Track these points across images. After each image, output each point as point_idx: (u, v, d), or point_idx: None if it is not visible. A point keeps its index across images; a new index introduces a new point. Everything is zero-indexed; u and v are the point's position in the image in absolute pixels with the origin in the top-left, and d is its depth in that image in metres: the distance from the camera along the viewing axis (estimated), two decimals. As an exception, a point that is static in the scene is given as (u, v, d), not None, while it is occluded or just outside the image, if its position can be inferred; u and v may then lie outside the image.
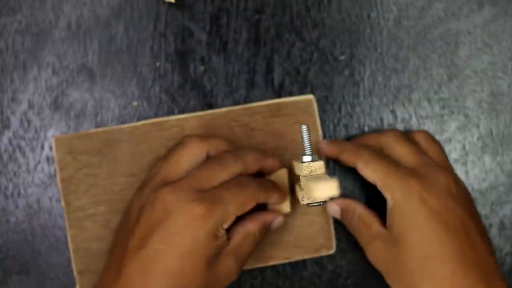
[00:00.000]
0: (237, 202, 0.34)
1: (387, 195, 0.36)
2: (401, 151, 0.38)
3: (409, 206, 0.35)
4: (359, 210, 0.38)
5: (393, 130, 0.41)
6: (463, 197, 0.37)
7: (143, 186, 0.36)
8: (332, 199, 0.39)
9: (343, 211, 0.40)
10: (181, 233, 0.32)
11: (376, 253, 0.37)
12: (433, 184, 0.36)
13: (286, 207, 0.39)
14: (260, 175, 0.39)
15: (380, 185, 0.37)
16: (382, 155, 0.38)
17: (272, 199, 0.37)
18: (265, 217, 0.37)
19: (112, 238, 0.40)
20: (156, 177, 0.36)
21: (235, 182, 0.35)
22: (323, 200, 0.36)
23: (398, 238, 0.35)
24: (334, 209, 0.40)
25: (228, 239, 0.35)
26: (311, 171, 0.34)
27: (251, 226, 0.36)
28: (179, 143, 0.37)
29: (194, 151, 0.36)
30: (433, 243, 0.34)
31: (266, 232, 0.38)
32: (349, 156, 0.38)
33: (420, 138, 0.40)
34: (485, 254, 0.35)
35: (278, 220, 0.38)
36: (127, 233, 0.34)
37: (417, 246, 0.34)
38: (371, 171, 0.37)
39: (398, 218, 0.35)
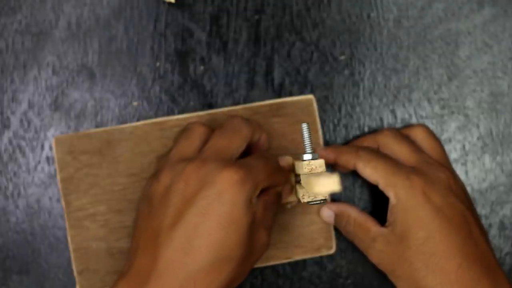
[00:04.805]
0: (265, 172, 0.34)
1: (390, 192, 0.36)
2: (399, 150, 0.38)
3: (413, 203, 0.35)
4: (354, 215, 0.38)
5: (388, 129, 0.41)
6: (462, 193, 0.37)
7: (156, 175, 0.35)
8: (326, 202, 0.39)
9: (337, 216, 0.40)
10: (220, 200, 0.32)
11: (380, 254, 0.37)
12: (434, 181, 0.36)
13: (291, 196, 0.39)
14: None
15: (382, 184, 0.37)
16: (381, 154, 0.38)
17: (281, 180, 0.37)
18: (275, 188, 0.37)
19: (114, 237, 0.40)
20: (171, 159, 0.35)
21: (260, 155, 0.35)
22: (324, 196, 0.36)
23: (402, 235, 0.35)
24: (328, 214, 0.40)
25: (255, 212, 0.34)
26: (311, 169, 0.34)
27: (268, 197, 0.36)
28: (184, 130, 0.37)
29: (201, 131, 0.36)
30: (438, 240, 0.35)
31: (280, 203, 0.38)
32: (348, 158, 0.38)
33: (418, 135, 0.40)
34: (486, 248, 0.36)
35: (287, 189, 0.38)
36: (155, 216, 0.33)
37: (422, 242, 0.35)
38: (372, 170, 0.37)
39: (402, 215, 0.36)
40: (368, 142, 0.40)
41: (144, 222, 0.34)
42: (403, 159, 0.38)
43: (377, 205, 0.43)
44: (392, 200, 0.36)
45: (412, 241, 0.35)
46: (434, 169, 0.37)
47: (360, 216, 0.38)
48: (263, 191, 0.35)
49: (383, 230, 0.36)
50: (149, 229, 0.33)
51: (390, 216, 0.36)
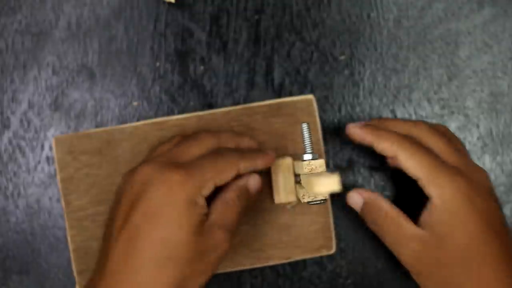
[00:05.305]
0: (214, 169, 0.34)
1: (433, 191, 0.34)
2: (441, 148, 0.36)
3: (459, 205, 0.34)
4: (386, 207, 0.36)
5: (423, 122, 0.38)
6: (496, 197, 0.36)
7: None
8: (326, 202, 0.39)
9: (367, 204, 0.37)
10: (161, 203, 0.32)
11: (414, 254, 0.35)
12: (478, 185, 0.35)
13: (292, 196, 0.39)
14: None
15: (425, 181, 0.35)
16: (425, 149, 0.36)
17: (257, 164, 0.36)
18: (238, 182, 0.36)
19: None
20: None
21: (212, 152, 0.35)
22: (324, 196, 0.36)
23: (444, 238, 0.34)
24: (356, 201, 0.38)
25: (211, 212, 0.34)
26: (311, 169, 0.34)
27: (227, 194, 0.35)
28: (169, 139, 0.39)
29: (178, 141, 0.37)
30: (480, 245, 0.33)
31: (247, 197, 0.36)
32: (389, 146, 0.36)
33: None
34: None
35: (253, 180, 0.37)
36: (111, 218, 0.34)
37: (464, 248, 0.33)
38: (416, 165, 0.35)
39: (446, 218, 0.34)
40: (400, 129, 0.38)
41: (107, 222, 0.36)
42: (444, 158, 0.36)
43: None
44: (436, 200, 0.34)
45: (454, 244, 0.33)
46: (474, 171, 0.36)
47: (392, 210, 0.36)
48: (221, 188, 0.35)
49: (419, 231, 0.35)
50: (107, 230, 0.34)
51: (429, 216, 0.35)
